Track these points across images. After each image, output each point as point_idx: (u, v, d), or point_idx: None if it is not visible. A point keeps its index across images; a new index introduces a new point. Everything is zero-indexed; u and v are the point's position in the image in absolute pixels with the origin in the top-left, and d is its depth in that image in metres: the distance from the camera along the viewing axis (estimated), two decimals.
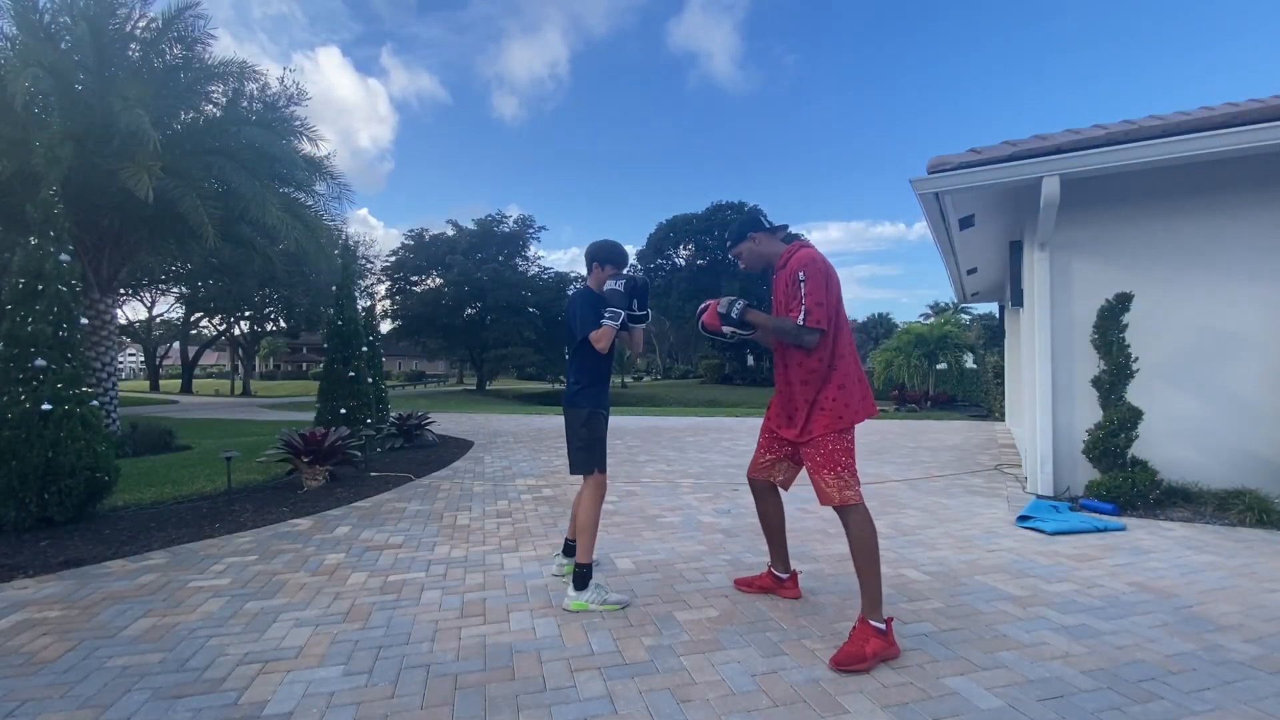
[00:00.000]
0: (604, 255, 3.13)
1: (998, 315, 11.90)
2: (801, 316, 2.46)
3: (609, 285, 3.01)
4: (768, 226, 2.78)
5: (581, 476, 3.01)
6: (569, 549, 3.19)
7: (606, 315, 2.92)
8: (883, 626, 2.32)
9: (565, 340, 3.07)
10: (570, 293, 3.04)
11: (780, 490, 2.95)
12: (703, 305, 2.80)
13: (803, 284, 2.48)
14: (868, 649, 2.25)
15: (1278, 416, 4.55)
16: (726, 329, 2.69)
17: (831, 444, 2.52)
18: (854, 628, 2.36)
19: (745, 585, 3.06)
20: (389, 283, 37.16)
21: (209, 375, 57.53)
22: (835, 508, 2.52)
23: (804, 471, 2.78)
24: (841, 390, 2.54)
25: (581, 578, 2.80)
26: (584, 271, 3.24)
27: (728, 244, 2.90)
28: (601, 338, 2.90)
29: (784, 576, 2.97)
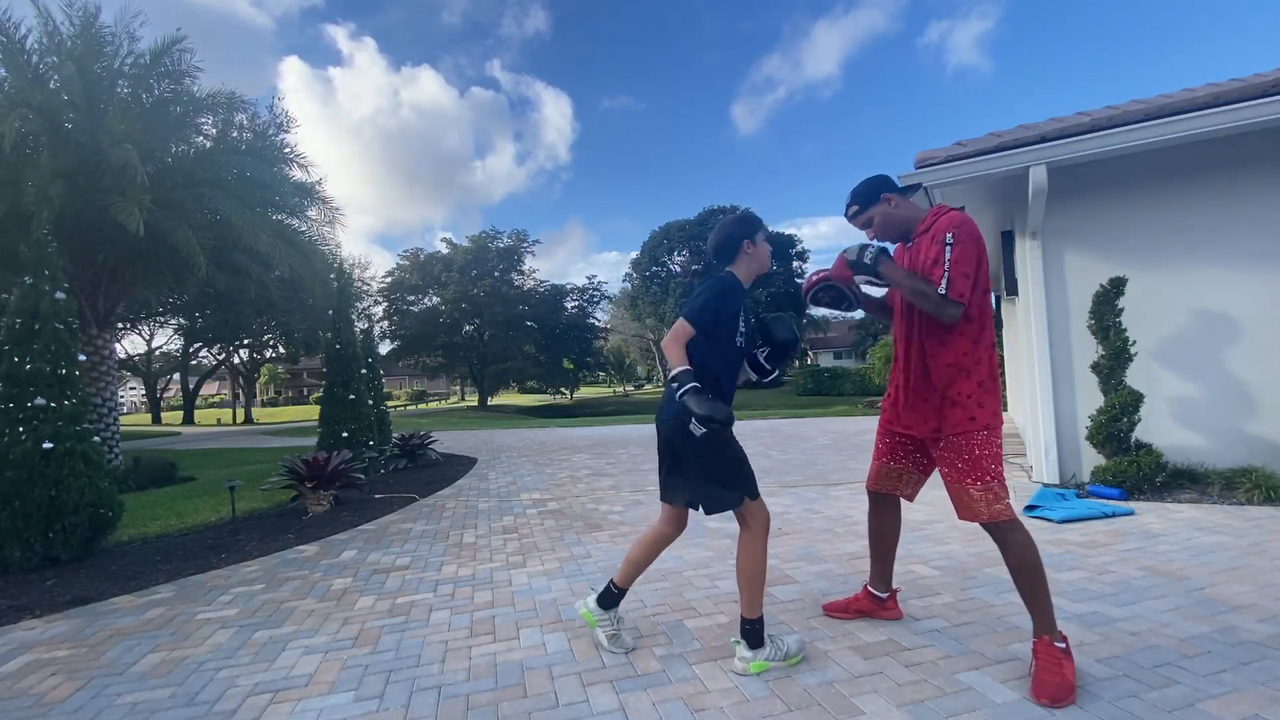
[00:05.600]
0: (751, 224, 2.44)
1: (994, 305, 11.91)
2: (944, 285, 2.06)
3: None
4: (901, 187, 2.36)
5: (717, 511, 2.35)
6: (608, 598, 2.51)
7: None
8: (1064, 645, 2.05)
9: (719, 344, 2.32)
10: (724, 282, 2.33)
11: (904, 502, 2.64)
12: (815, 278, 2.36)
13: (949, 247, 2.08)
14: (1067, 673, 1.98)
15: (1278, 395, 4.55)
16: (858, 278, 2.19)
17: (979, 446, 2.15)
18: (1037, 656, 2.04)
19: (839, 611, 2.68)
20: (386, 303, 37.25)
21: (210, 405, 57.47)
22: (986, 526, 2.15)
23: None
24: (982, 387, 2.18)
25: (756, 634, 2.28)
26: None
27: (851, 210, 2.39)
28: (671, 343, 2.28)
29: (884, 596, 2.64)
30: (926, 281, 2.12)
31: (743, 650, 2.28)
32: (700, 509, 2.34)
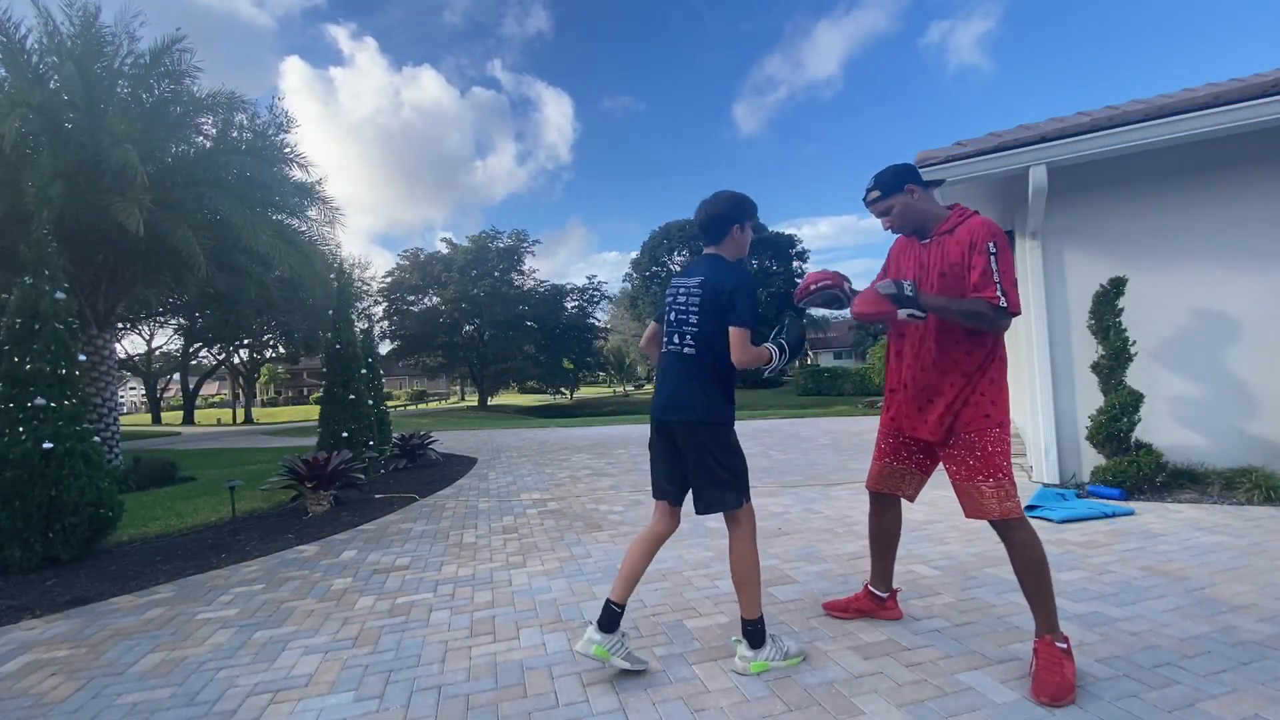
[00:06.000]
0: (749, 210, 2.38)
1: None
2: (1003, 299, 2.07)
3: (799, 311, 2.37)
4: (925, 180, 2.34)
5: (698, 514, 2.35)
6: (610, 620, 2.27)
7: (780, 339, 2.37)
8: (1066, 645, 2.06)
9: (697, 329, 2.29)
10: (709, 266, 2.33)
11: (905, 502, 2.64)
12: (820, 288, 2.30)
13: (994, 258, 2.10)
14: (1067, 673, 1.99)
15: (1278, 395, 4.54)
16: (903, 313, 2.16)
17: (991, 443, 2.16)
18: (1037, 655, 2.05)
19: (839, 610, 2.67)
20: (386, 303, 37.23)
21: (210, 405, 57.45)
22: (994, 524, 2.17)
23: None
24: (994, 384, 2.20)
25: (758, 634, 2.27)
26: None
27: (871, 196, 2.35)
28: (756, 360, 2.28)
29: (884, 596, 2.63)
30: (974, 300, 2.11)
31: (744, 650, 2.27)
32: (701, 508, 2.31)
